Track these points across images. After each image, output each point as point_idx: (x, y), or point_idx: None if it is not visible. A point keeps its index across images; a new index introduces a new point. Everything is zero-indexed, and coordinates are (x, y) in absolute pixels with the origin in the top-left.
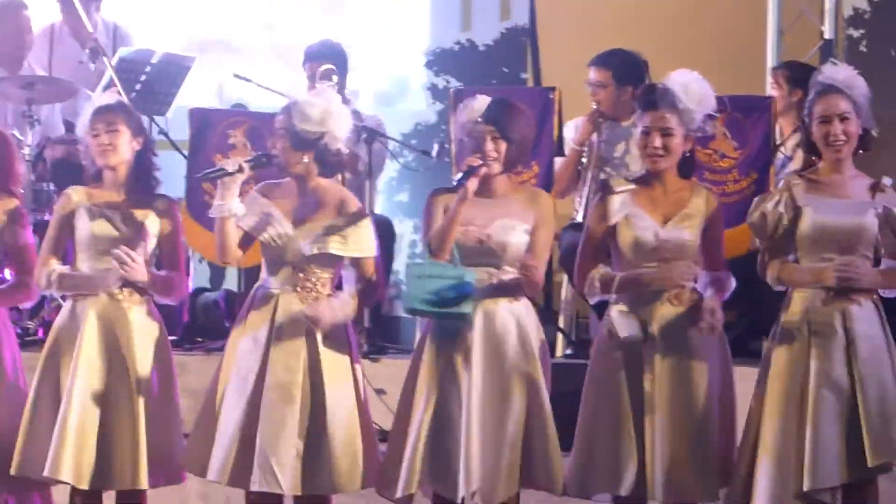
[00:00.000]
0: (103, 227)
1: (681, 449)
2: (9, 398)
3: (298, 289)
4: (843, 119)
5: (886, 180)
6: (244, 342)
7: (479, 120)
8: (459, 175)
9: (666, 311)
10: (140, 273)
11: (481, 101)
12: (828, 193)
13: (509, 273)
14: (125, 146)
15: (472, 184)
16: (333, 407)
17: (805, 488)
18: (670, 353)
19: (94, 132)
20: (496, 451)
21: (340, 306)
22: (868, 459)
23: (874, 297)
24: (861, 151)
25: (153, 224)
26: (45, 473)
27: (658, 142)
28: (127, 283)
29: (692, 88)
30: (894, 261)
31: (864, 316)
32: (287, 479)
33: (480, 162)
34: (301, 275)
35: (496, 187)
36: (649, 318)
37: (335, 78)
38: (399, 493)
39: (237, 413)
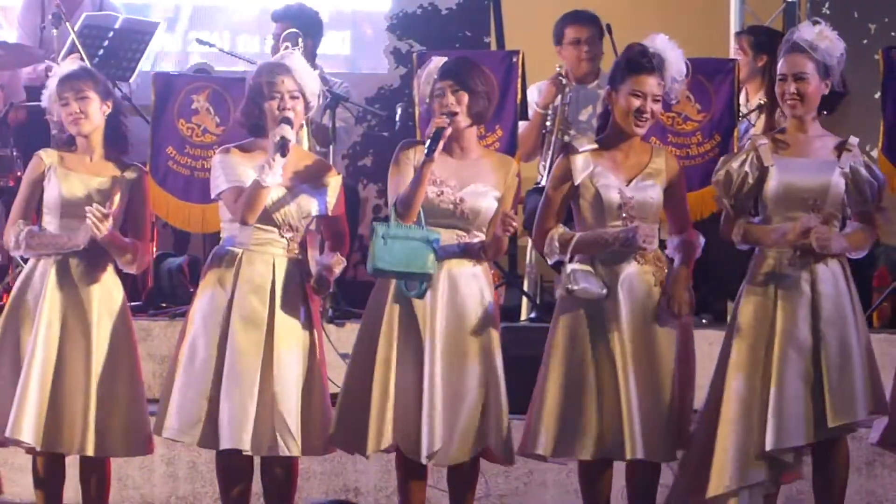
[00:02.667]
0: (73, 190)
1: (648, 408)
2: None
3: (284, 248)
4: (798, 78)
5: (853, 140)
6: (203, 301)
7: (436, 77)
8: (428, 141)
9: (632, 270)
10: (106, 226)
11: (436, 62)
12: (794, 153)
13: (476, 237)
14: (96, 112)
15: (438, 148)
16: (280, 370)
17: (767, 448)
18: (637, 311)
19: (62, 101)
20: (456, 413)
21: (338, 261)
22: (829, 420)
23: (841, 256)
24: (825, 112)
25: (122, 191)
26: (7, 434)
27: (649, 106)
28: (92, 247)
29: (671, 56)
30: (860, 221)
31: (830, 276)
32: (248, 438)
33: (447, 122)
34: (279, 231)
35: (467, 146)
36: (614, 276)
37: (300, 41)
38: (370, 451)
39: (203, 371)
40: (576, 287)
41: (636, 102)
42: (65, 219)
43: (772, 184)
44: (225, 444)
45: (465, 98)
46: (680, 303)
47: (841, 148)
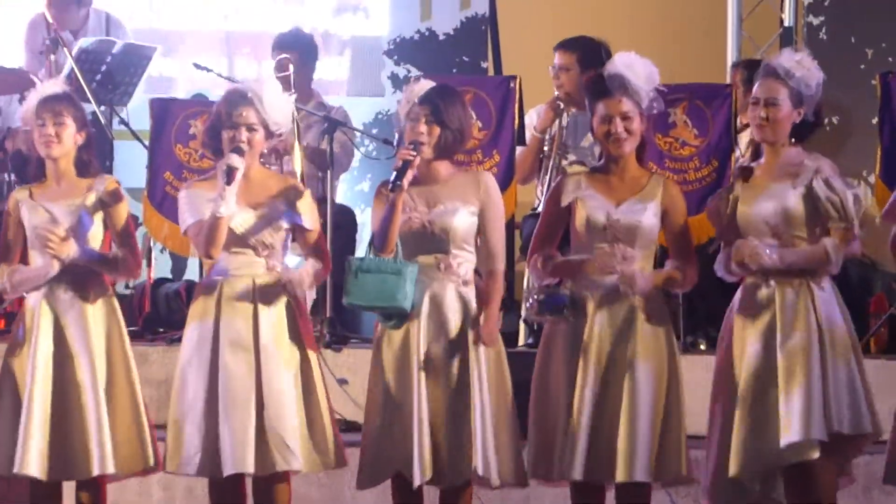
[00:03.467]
0: (42, 219)
1: (636, 428)
2: None
3: (264, 268)
4: (769, 104)
5: (808, 161)
6: (190, 332)
7: (416, 101)
8: (394, 174)
9: (610, 295)
10: (67, 248)
11: (422, 85)
12: (758, 182)
13: (458, 256)
14: (69, 139)
15: (406, 179)
16: (270, 388)
17: (788, 441)
18: (613, 335)
19: (39, 121)
20: (446, 437)
21: (308, 274)
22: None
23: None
24: (795, 139)
25: (92, 204)
26: (16, 471)
27: (620, 127)
28: (75, 272)
29: (637, 68)
30: (837, 238)
31: (826, 297)
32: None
33: (413, 155)
34: (254, 252)
35: (437, 172)
36: (592, 298)
37: (291, 67)
38: (365, 486)
39: (196, 403)
40: (543, 308)
41: (604, 127)
42: (40, 250)
43: (738, 214)
44: (228, 470)
45: (437, 131)
46: (630, 281)
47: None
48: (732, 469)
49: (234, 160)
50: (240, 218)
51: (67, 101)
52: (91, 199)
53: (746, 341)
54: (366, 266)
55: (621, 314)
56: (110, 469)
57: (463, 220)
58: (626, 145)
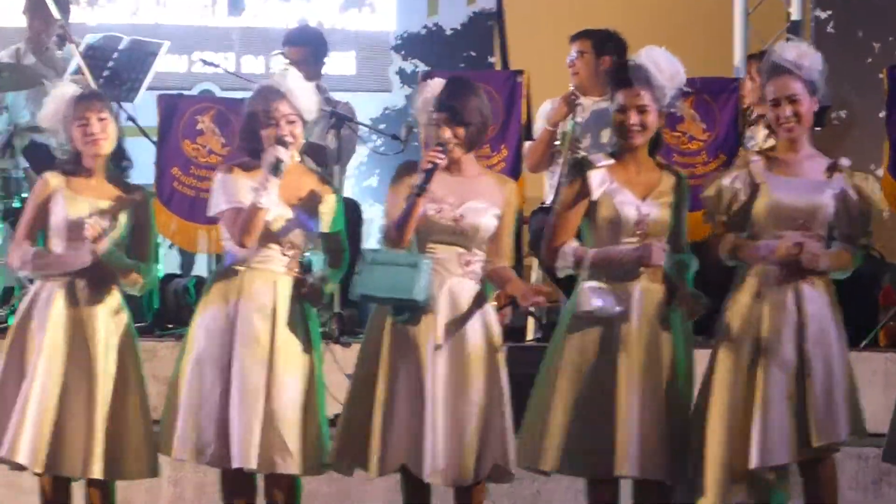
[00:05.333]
0: (80, 213)
1: (652, 426)
2: None
3: (285, 266)
4: (791, 101)
5: (844, 161)
6: (206, 318)
7: (432, 109)
8: (422, 175)
9: (644, 287)
10: (104, 243)
11: (433, 86)
12: (785, 172)
13: (477, 255)
14: (114, 134)
15: (431, 183)
16: (279, 390)
17: (752, 466)
18: (648, 329)
19: (81, 121)
20: (460, 434)
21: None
22: (812, 440)
23: (826, 276)
24: (817, 128)
25: (127, 212)
26: (3, 455)
27: (635, 118)
28: (98, 269)
29: (663, 65)
30: (846, 242)
31: (816, 296)
32: (255, 456)
33: (441, 158)
34: (280, 249)
35: (464, 166)
36: (626, 294)
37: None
38: (376, 474)
39: (212, 393)
40: (593, 306)
41: (620, 117)
42: (71, 241)
43: (762, 201)
44: (235, 463)
45: (461, 131)
46: (691, 304)
47: (833, 169)
48: (754, 461)
49: (281, 152)
50: (275, 213)
51: (101, 97)
52: (126, 204)
53: (763, 333)
54: (381, 258)
55: (653, 308)
56: (96, 473)
57: (489, 222)
58: (637, 137)
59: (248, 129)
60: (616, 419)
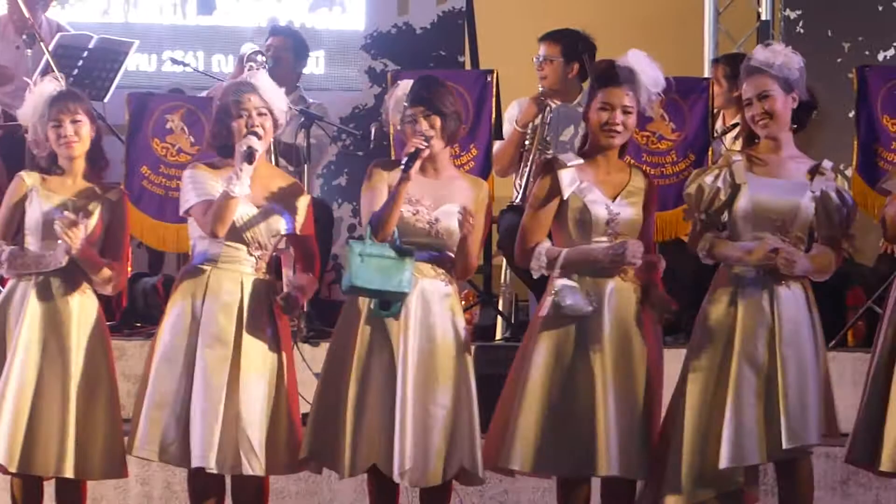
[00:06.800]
0: (58, 209)
1: (625, 424)
2: None
3: (252, 267)
4: (762, 97)
5: (827, 163)
6: (172, 317)
7: (406, 104)
8: (405, 159)
9: (616, 286)
10: (80, 242)
11: (403, 87)
12: (767, 173)
13: (449, 257)
14: (87, 135)
15: (414, 169)
16: (245, 390)
17: (722, 465)
18: (620, 327)
19: (55, 122)
20: (428, 434)
21: (310, 282)
22: (784, 441)
23: (805, 278)
24: (795, 127)
25: (101, 212)
26: None
27: (619, 118)
28: (72, 268)
29: (648, 70)
30: (826, 245)
31: (792, 298)
32: (214, 456)
33: (425, 145)
34: (247, 249)
35: (440, 166)
36: (599, 292)
37: (260, 58)
38: (346, 475)
39: (175, 391)
40: (564, 304)
41: (604, 115)
42: (46, 240)
43: (742, 201)
44: (195, 463)
45: (438, 122)
46: (661, 306)
47: (815, 171)
48: (725, 460)
49: (254, 142)
50: (241, 211)
51: (77, 97)
52: (99, 203)
53: (737, 334)
54: (368, 250)
55: (626, 307)
56: (68, 472)
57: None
58: (618, 138)
59: (219, 123)
60: (595, 418)
